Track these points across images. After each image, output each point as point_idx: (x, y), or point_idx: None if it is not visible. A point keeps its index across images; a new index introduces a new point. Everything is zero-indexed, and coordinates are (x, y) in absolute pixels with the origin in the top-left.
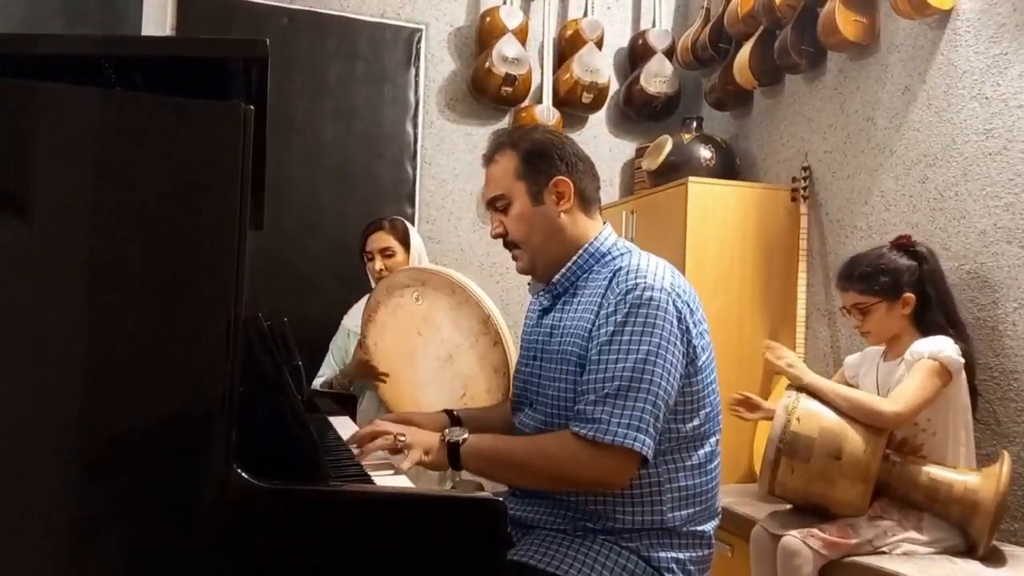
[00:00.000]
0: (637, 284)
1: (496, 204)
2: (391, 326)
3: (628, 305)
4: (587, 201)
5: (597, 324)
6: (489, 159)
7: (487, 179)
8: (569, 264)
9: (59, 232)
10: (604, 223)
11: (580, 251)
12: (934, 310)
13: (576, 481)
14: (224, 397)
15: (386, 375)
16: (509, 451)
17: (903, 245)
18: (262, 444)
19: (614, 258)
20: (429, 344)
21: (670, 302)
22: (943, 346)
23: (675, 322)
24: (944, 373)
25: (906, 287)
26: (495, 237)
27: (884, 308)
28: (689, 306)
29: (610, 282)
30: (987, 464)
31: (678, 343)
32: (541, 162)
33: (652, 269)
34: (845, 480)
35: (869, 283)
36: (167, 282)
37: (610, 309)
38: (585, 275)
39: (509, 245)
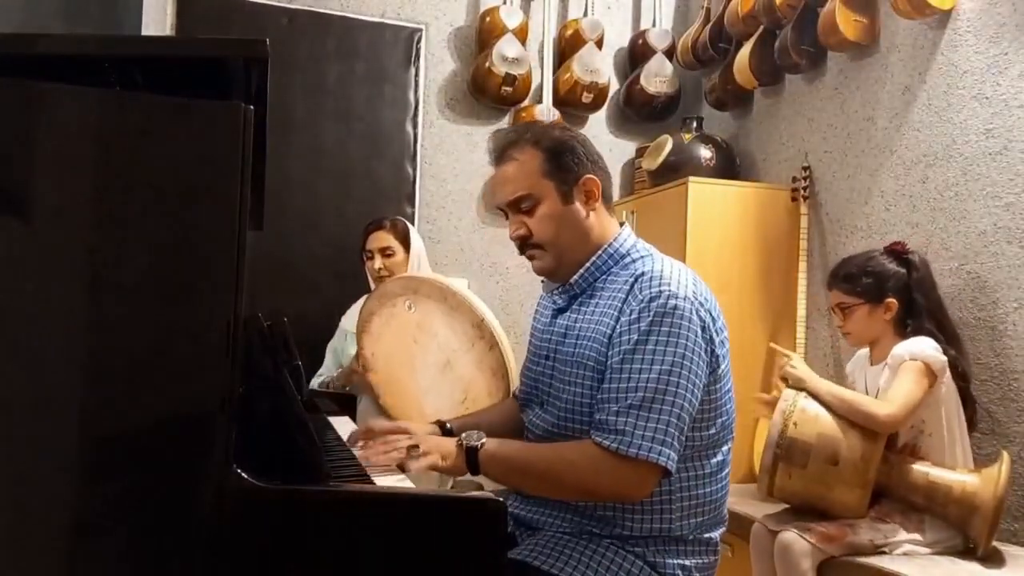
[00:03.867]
0: (661, 292)
1: (521, 205)
2: (386, 336)
3: (652, 313)
4: (609, 200)
5: (619, 331)
6: (505, 156)
7: (504, 178)
8: (588, 265)
9: (59, 232)
10: (622, 224)
11: (599, 251)
12: (924, 318)
13: (595, 492)
14: (224, 397)
15: (374, 373)
16: (528, 458)
17: (895, 251)
18: (262, 444)
19: (633, 260)
20: (426, 352)
21: (694, 311)
22: (923, 346)
23: (699, 332)
24: (929, 373)
25: (890, 292)
26: (516, 239)
27: (866, 310)
28: (711, 314)
29: (632, 287)
30: (986, 465)
31: (702, 353)
32: (567, 160)
33: (676, 276)
34: (842, 485)
35: (853, 284)
36: (167, 282)
37: (633, 316)
38: (603, 276)
39: (530, 246)
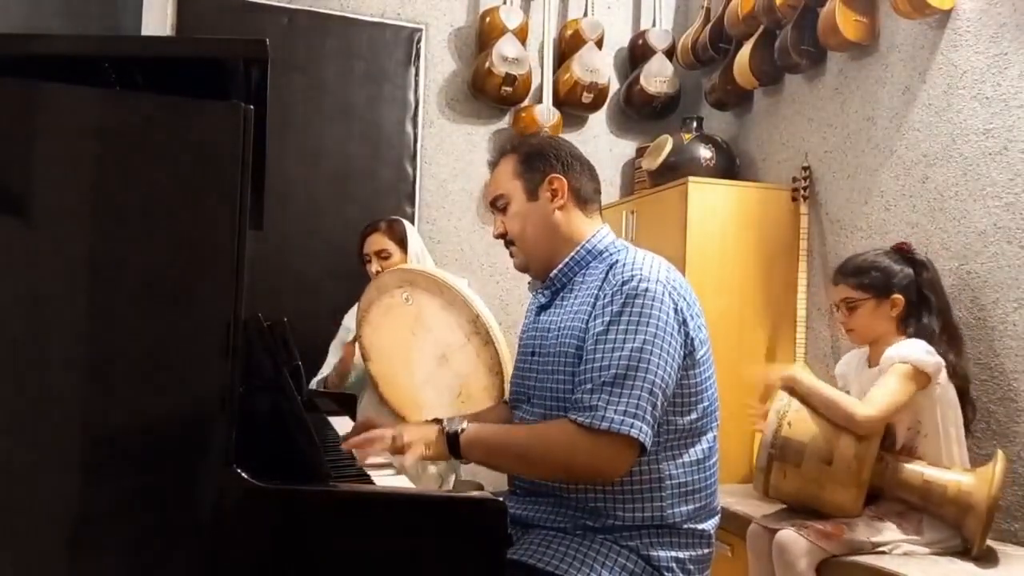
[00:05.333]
0: (633, 276)
1: (497, 204)
2: (384, 326)
3: (624, 296)
4: (583, 200)
5: (593, 315)
6: (493, 164)
7: (489, 183)
8: (566, 260)
9: (59, 232)
10: (603, 224)
11: (578, 248)
12: (931, 318)
13: (571, 468)
14: (224, 397)
15: (373, 363)
16: (507, 439)
17: (901, 250)
18: (262, 444)
19: (611, 254)
20: (423, 344)
21: (666, 293)
22: (913, 350)
23: (671, 312)
24: (919, 375)
25: (896, 289)
26: (497, 237)
27: (872, 305)
28: (685, 299)
29: (606, 275)
30: (982, 465)
31: (675, 333)
32: (537, 161)
33: (648, 263)
34: (836, 485)
35: (860, 278)
36: (167, 282)
37: (606, 300)
38: (582, 271)
39: (508, 243)
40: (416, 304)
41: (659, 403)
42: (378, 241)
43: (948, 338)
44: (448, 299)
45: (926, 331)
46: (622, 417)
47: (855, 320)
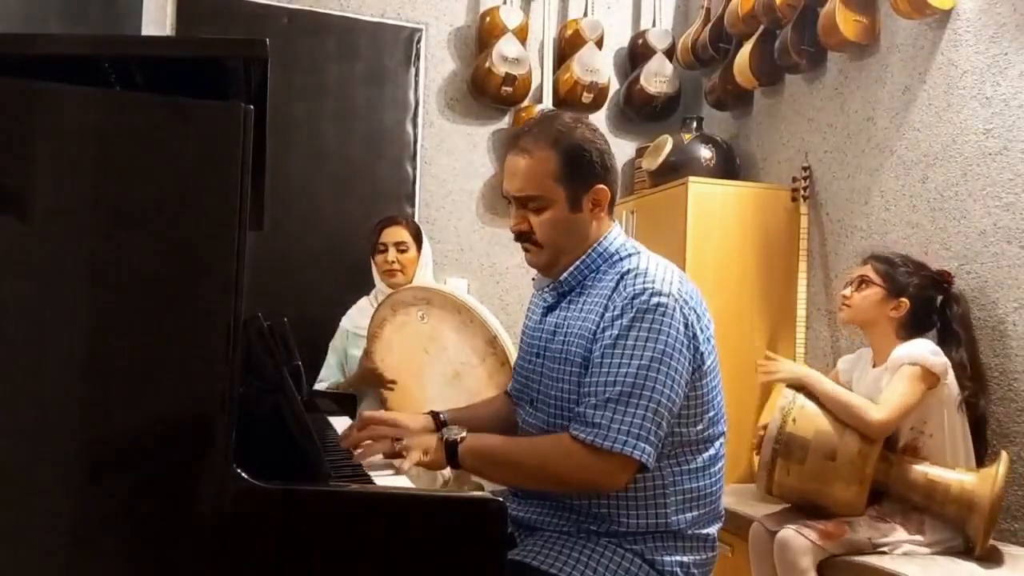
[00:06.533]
0: (645, 288)
1: (528, 204)
2: (397, 343)
3: (635, 309)
4: (612, 205)
5: (602, 326)
6: (520, 146)
7: (515, 170)
8: (577, 263)
9: (59, 232)
10: (614, 222)
11: (589, 250)
12: (960, 352)
13: (569, 483)
14: (224, 397)
15: (393, 382)
16: (506, 451)
17: (942, 275)
18: (262, 444)
19: (621, 259)
20: (436, 361)
21: (678, 308)
22: (921, 350)
23: (682, 328)
24: (928, 376)
25: (907, 295)
26: (516, 231)
27: (880, 295)
28: (696, 312)
29: (617, 284)
30: (985, 464)
31: (684, 350)
32: (582, 167)
33: (661, 274)
34: (840, 481)
35: (887, 267)
36: (167, 282)
37: (616, 312)
38: (593, 275)
39: (528, 240)
40: (432, 322)
41: (664, 422)
42: (398, 233)
43: (974, 374)
44: (465, 319)
45: (959, 364)
46: (625, 437)
47: (857, 298)
